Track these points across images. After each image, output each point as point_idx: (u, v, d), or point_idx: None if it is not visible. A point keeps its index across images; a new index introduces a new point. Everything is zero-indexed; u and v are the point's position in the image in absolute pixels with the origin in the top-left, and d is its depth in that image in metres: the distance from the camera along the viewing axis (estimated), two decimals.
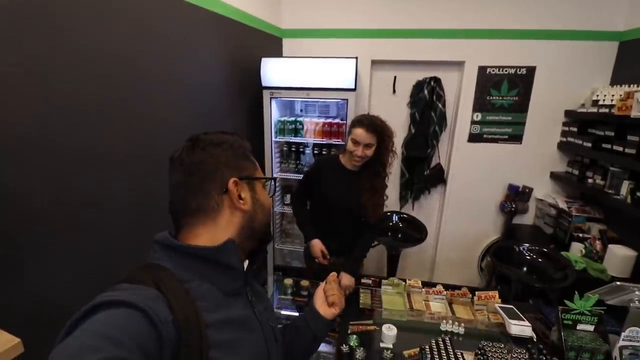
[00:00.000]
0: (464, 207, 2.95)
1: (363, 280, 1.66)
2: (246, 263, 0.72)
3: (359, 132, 1.54)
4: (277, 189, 2.49)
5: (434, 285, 1.62)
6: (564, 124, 2.62)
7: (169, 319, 0.48)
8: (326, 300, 0.88)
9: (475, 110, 2.73)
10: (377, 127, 1.55)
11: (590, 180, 2.34)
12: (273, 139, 2.34)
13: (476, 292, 1.53)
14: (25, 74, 0.95)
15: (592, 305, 1.17)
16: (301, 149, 2.47)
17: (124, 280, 0.55)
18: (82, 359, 0.39)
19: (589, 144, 2.27)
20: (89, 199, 1.17)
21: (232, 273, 0.63)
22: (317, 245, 1.72)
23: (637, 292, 1.14)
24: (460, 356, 1.16)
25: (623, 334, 1.08)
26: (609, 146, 2.12)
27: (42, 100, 1.00)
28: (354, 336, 1.30)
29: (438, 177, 2.93)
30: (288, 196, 2.54)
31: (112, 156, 1.25)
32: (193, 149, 0.66)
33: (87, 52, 1.12)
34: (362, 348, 1.24)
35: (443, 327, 1.38)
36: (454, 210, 2.98)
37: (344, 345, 1.25)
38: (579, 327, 1.17)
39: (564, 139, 2.61)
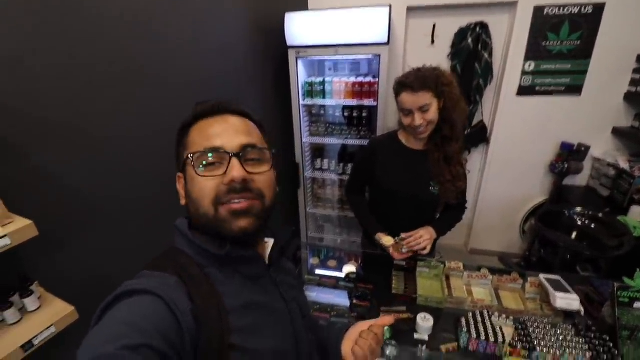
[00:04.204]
0: (508, 168, 2.74)
1: (396, 262, 1.48)
2: (270, 245, 0.68)
3: (407, 99, 1.22)
4: (307, 152, 2.44)
5: (478, 269, 1.43)
6: (635, 71, 2.25)
7: (188, 308, 0.48)
8: (354, 345, 0.72)
9: (527, 58, 2.40)
10: (426, 80, 1.20)
11: None
12: (301, 102, 2.24)
13: (529, 279, 1.38)
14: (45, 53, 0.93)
15: None
16: (330, 112, 2.36)
17: (148, 267, 0.55)
18: (108, 347, 0.40)
19: None
20: (125, 180, 1.21)
21: (250, 262, 0.60)
22: (382, 237, 1.45)
23: None
24: (499, 330, 1.12)
25: None
26: None
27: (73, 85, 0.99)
28: (386, 327, 1.18)
29: (480, 136, 2.71)
30: (318, 160, 2.49)
31: (139, 130, 1.25)
32: None
33: (101, 19, 1.07)
34: (394, 342, 1.16)
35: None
36: (496, 171, 2.78)
37: None
38: (636, 305, 1.07)
39: (633, 89, 2.25)
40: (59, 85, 0.97)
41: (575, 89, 2.40)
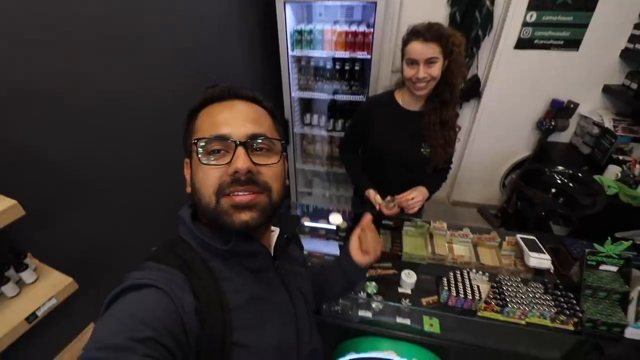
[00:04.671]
0: (497, 124, 2.74)
1: (384, 222, 1.55)
2: (275, 234, 0.68)
3: (416, 47, 1.18)
4: (296, 107, 2.35)
5: (460, 229, 1.52)
6: (636, 27, 2.18)
7: (192, 308, 0.48)
8: (360, 247, 0.85)
9: (530, 8, 2.26)
10: (439, 33, 1.17)
11: None
12: (290, 52, 2.08)
13: (506, 237, 1.47)
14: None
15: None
16: (321, 64, 2.22)
17: (150, 258, 0.55)
18: (116, 338, 0.41)
19: None
20: (112, 153, 1.15)
21: (254, 256, 0.60)
22: (373, 194, 1.48)
23: None
24: (476, 288, 1.22)
25: None
26: None
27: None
28: (373, 283, 1.30)
29: (473, 90, 2.65)
30: (308, 115, 2.41)
31: (130, 100, 1.17)
32: None
33: None
34: (380, 297, 1.26)
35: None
36: (485, 127, 2.78)
37: (361, 293, 1.27)
38: (602, 267, 1.18)
39: (631, 46, 2.20)
40: (40, 58, 0.88)
41: (573, 44, 2.32)
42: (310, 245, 1.53)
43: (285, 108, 2.24)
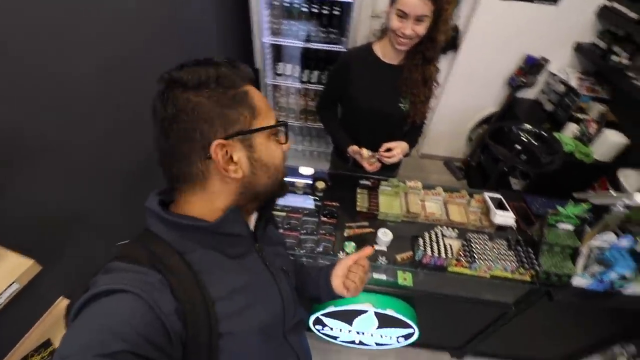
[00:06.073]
0: (470, 79, 2.74)
1: (362, 182, 1.57)
2: (254, 217, 0.66)
3: (411, 0, 1.11)
4: (267, 55, 2.15)
5: (432, 187, 1.59)
6: None
7: (172, 308, 0.45)
8: (345, 279, 0.80)
9: None
10: None
11: (615, 58, 2.12)
12: None
13: (474, 195, 1.55)
14: None
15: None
16: (296, 4, 1.99)
17: (119, 257, 0.50)
18: (82, 356, 0.38)
19: (635, 15, 1.93)
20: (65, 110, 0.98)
21: (237, 239, 0.57)
22: (357, 148, 1.43)
23: (624, 200, 1.20)
24: (449, 247, 1.30)
25: (598, 236, 1.21)
26: None
27: None
28: (352, 243, 1.33)
29: (451, 43, 2.57)
30: (280, 65, 2.23)
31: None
32: (164, 94, 0.49)
33: None
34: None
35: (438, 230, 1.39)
36: (458, 81, 2.77)
37: (340, 253, 1.31)
38: (560, 225, 1.29)
39: (609, 3, 2.20)
40: None
41: None
42: (287, 200, 1.54)
43: (256, 55, 2.04)
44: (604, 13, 2.24)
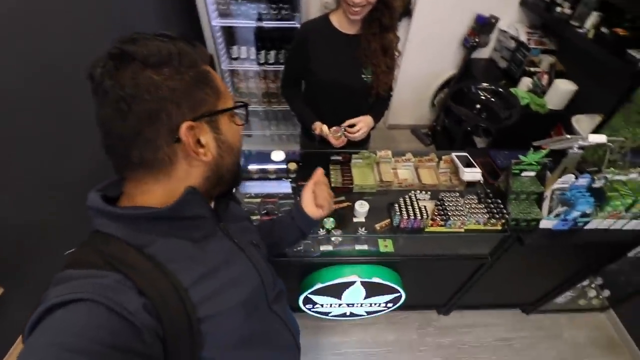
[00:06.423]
0: (426, 44, 2.76)
1: (332, 158, 1.56)
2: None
3: None
4: (219, 39, 2.05)
5: (402, 154, 1.61)
6: None
7: (139, 306, 0.43)
8: (315, 201, 0.87)
9: None
10: None
11: (558, 9, 2.20)
12: None
13: (442, 157, 1.59)
14: None
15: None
16: None
17: (70, 264, 0.45)
18: None
19: None
20: None
21: (200, 221, 0.55)
22: (319, 125, 1.43)
23: (579, 142, 1.27)
24: (423, 208, 1.34)
25: (559, 179, 1.28)
26: None
27: None
28: (331, 219, 1.33)
29: (405, 10, 2.56)
30: (234, 48, 2.13)
31: None
32: (118, 70, 0.43)
33: None
34: (339, 231, 1.32)
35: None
36: (415, 48, 2.78)
37: (321, 230, 1.32)
38: (524, 174, 1.35)
39: None
40: None
41: None
42: (262, 188, 1.49)
43: (207, 41, 1.94)
44: None
